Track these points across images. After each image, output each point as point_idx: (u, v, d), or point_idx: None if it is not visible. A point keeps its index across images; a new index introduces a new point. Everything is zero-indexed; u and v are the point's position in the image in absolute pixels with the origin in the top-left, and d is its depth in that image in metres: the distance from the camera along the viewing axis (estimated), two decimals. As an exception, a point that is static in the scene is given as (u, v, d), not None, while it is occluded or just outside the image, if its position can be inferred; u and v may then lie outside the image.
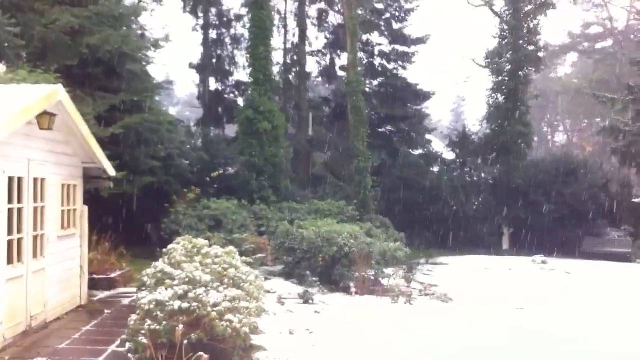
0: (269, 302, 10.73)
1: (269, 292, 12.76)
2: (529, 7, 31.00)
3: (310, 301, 13.02)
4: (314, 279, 15.29)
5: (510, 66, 30.99)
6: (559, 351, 9.96)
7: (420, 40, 32.78)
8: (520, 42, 30.76)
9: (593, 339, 10.85)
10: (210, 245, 9.13)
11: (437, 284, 16.68)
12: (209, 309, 7.10)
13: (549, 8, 31.19)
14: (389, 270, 16.25)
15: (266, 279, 13.53)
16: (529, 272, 20.69)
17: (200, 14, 30.89)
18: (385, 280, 15.74)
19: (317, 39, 33.37)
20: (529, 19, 31.00)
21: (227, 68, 31.70)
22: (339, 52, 32.65)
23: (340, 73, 32.13)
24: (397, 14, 32.63)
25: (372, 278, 15.50)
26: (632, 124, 28.66)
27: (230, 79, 31.82)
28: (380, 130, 31.78)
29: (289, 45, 32.27)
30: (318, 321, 11.19)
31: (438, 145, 35.22)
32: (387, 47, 32.90)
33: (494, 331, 11.20)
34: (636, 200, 29.92)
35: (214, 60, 31.36)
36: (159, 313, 7.07)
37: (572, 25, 51.43)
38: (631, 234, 27.19)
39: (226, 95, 31.74)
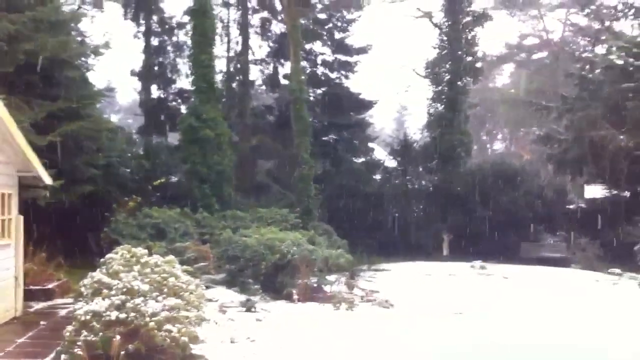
0: (210, 311, 10.72)
1: (210, 300, 12.73)
2: (467, 18, 31.72)
3: (253, 309, 13.04)
4: (256, 286, 15.32)
5: (449, 76, 31.65)
6: (496, 353, 10.24)
7: (362, 50, 33.21)
8: (459, 52, 31.46)
9: (529, 340, 11.22)
10: (151, 255, 9.08)
11: (379, 290, 16.91)
12: (147, 319, 7.08)
13: (486, 19, 32.06)
14: (331, 277, 16.42)
15: (208, 287, 13.50)
16: (468, 278, 21.15)
17: (142, 21, 30.49)
18: (328, 287, 15.90)
19: (260, 48, 33.49)
20: (467, 31, 31.72)
21: (170, 75, 31.37)
22: (282, 60, 32.75)
23: (284, 81, 32.21)
24: (339, 24, 32.98)
25: (315, 285, 15.64)
26: (566, 133, 29.65)
27: (173, 86, 31.50)
28: (323, 138, 31.98)
29: (232, 54, 32.26)
30: (260, 329, 11.23)
31: (380, 153, 35.66)
32: (329, 57, 33.18)
33: (434, 336, 11.44)
34: (570, 206, 30.95)
35: (156, 68, 31.00)
36: (95, 324, 7.01)
37: (509, 37, 52.80)
38: (566, 239, 28.02)
39: (169, 103, 31.42)
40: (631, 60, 27.41)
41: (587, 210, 29.55)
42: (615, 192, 28.60)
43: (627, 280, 21.08)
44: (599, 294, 18.16)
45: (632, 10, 32.59)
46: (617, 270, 22.65)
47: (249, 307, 13.07)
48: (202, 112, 22.61)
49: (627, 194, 28.27)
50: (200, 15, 23.32)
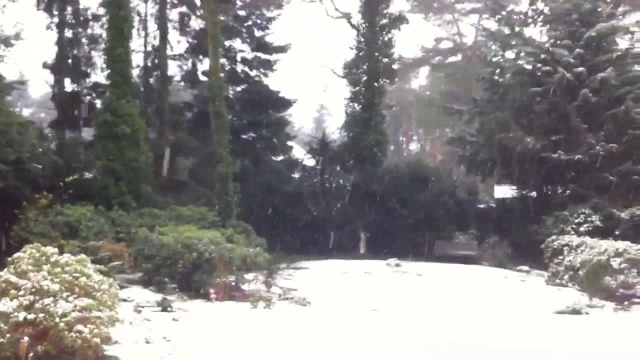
0: (125, 311, 10.55)
1: (125, 300, 12.52)
2: (384, 21, 32.34)
3: (169, 308, 12.89)
4: (172, 286, 15.15)
5: (366, 77, 32.19)
6: (408, 348, 10.54)
7: (282, 49, 33.29)
8: (376, 54, 32.03)
9: (442, 335, 11.61)
10: (62, 254, 8.84)
11: (297, 288, 17.07)
12: (57, 319, 6.92)
13: (402, 22, 32.77)
14: (249, 276, 16.43)
15: (123, 287, 13.25)
16: (384, 275, 21.64)
17: (56, 12, 29.42)
18: (246, 286, 15.91)
19: (179, 43, 32.98)
20: (383, 33, 32.33)
21: (84, 69, 30.44)
22: (201, 57, 32.39)
23: (203, 78, 31.90)
24: (259, 21, 32.95)
25: (233, 284, 15.61)
26: (477, 135, 30.76)
27: (87, 80, 30.56)
28: (243, 136, 31.84)
29: (149, 48, 31.61)
30: (176, 329, 11.14)
31: (300, 152, 35.86)
32: (249, 54, 33.10)
33: (350, 333, 11.64)
34: (481, 205, 32.11)
35: (70, 61, 30.02)
36: (2, 325, 6.80)
37: (425, 40, 54.21)
38: (477, 237, 29.00)
39: (83, 97, 30.47)
40: (539, 65, 28.73)
41: (497, 210, 30.81)
42: (524, 192, 29.87)
43: (534, 277, 22.13)
44: (507, 290, 18.98)
45: (541, 17, 34.07)
46: (525, 268, 23.73)
47: (165, 306, 12.92)
48: (118, 108, 22.09)
49: (534, 194, 29.59)
50: (116, 7, 22.74)
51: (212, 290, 14.71)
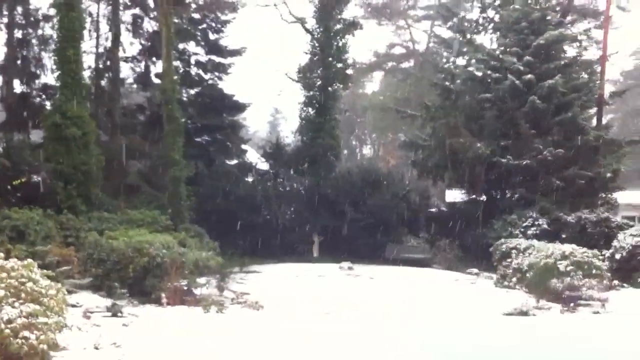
0: (73, 317, 10.43)
1: (74, 306, 12.37)
2: (338, 26, 32.56)
3: (119, 314, 12.77)
4: (123, 291, 14.97)
5: (320, 82, 32.35)
6: (361, 351, 10.68)
7: (236, 52, 33.25)
8: (330, 59, 32.21)
9: (392, 335, 11.79)
10: (9, 258, 8.71)
11: (250, 292, 17.07)
12: (2, 326, 6.82)
13: (356, 28, 33.05)
14: (202, 280, 16.36)
15: (71, 292, 13.09)
16: (337, 278, 21.82)
17: (5, 12, 28.79)
18: (198, 290, 15.84)
19: (131, 45, 32.48)
20: (338, 38, 32.55)
21: (34, 70, 29.84)
22: (154, 59, 32.06)
23: (156, 80, 31.56)
24: (213, 25, 32.84)
25: (185, 288, 15.53)
26: (429, 140, 31.24)
27: (37, 81, 29.97)
28: (196, 139, 31.64)
29: (101, 50, 31.13)
30: (126, 334, 11.04)
31: (254, 156, 35.84)
32: (203, 57, 32.94)
33: (301, 336, 11.72)
34: (433, 209, 32.60)
35: (19, 62, 29.41)
36: (-54, 332, 6.68)
37: (378, 45, 54.70)
38: (428, 240, 29.40)
39: (32, 99, 29.85)
40: (489, 72, 29.41)
41: (448, 213, 31.29)
42: (474, 196, 30.46)
43: (483, 279, 22.60)
44: (458, 292, 19.35)
45: (492, 25, 34.88)
46: (475, 270, 24.21)
47: (115, 311, 12.79)
48: (68, 110, 21.71)
49: (484, 197, 30.19)
50: (67, 8, 22.34)
51: (163, 295, 14.60)
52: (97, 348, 9.79)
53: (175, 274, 14.95)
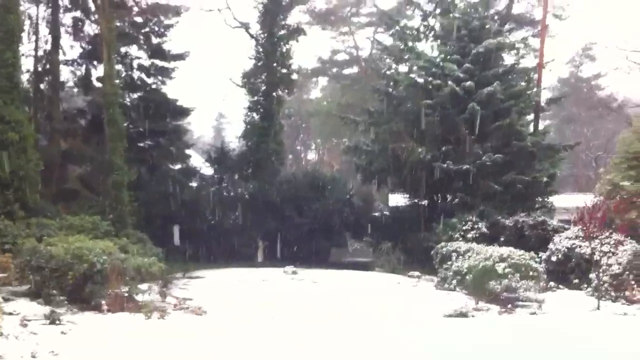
0: (10, 325, 10.26)
1: (10, 314, 12.15)
2: (282, 32, 32.75)
3: (58, 322, 12.53)
4: (62, 298, 14.69)
5: (265, 87, 32.45)
6: (304, 354, 10.80)
7: (180, 56, 32.95)
8: (274, 64, 32.36)
9: (335, 338, 11.95)
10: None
11: (193, 298, 17.00)
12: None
13: (300, 34, 33.33)
14: (144, 286, 16.19)
15: (8, 300, 12.86)
16: (281, 283, 21.88)
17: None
18: (140, 296, 15.67)
19: (72, 48, 31.94)
20: (282, 43, 32.71)
21: (-31, 73, 28.95)
22: (95, 62, 31.50)
23: (98, 84, 31.04)
24: (156, 28, 32.47)
25: (126, 295, 15.33)
26: (372, 145, 31.66)
27: (-27, 85, 29.09)
28: (139, 144, 31.26)
29: (40, 53, 30.48)
30: (65, 342, 10.87)
31: (198, 160, 35.60)
32: (146, 61, 32.56)
33: (244, 341, 11.74)
34: (376, 213, 33.01)
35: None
36: None
37: (322, 51, 55.10)
38: (372, 244, 29.77)
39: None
40: (430, 79, 30.00)
41: (391, 217, 31.76)
42: (416, 200, 31.01)
43: (425, 282, 23.02)
44: (400, 295, 19.66)
45: (433, 33, 35.56)
46: (417, 273, 24.61)
47: (53, 319, 12.55)
48: (5, 114, 21.17)
49: (425, 202, 30.77)
50: (5, 10, 21.84)
51: (104, 302, 14.40)
52: (34, 357, 9.62)
53: (116, 281, 14.76)
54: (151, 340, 11.40)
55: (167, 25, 32.74)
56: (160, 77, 32.89)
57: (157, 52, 32.49)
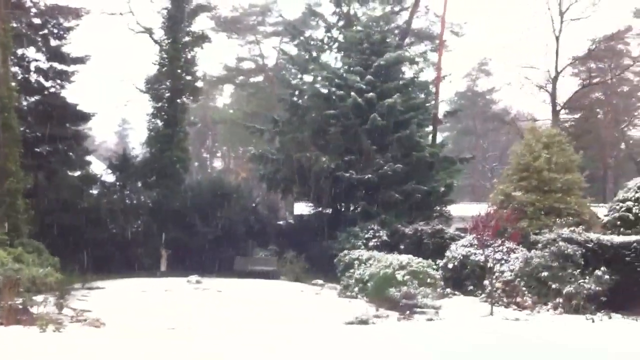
0: None
1: None
2: (187, 38, 32.46)
3: (-55, 336, 11.99)
4: (-49, 311, 14.04)
5: (169, 93, 32.01)
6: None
7: (80, 60, 31.95)
8: (179, 71, 31.96)
9: (237, 348, 12.04)
10: None
11: (92, 309, 16.54)
12: None
13: (205, 41, 33.16)
14: (39, 298, 15.68)
15: None
16: (184, 292, 21.65)
17: None
18: (35, 308, 15.16)
19: (-37, 50, 30.37)
20: (186, 50, 32.43)
21: None
22: (-11, 64, 30.13)
23: (-8, 87, 29.66)
24: (55, 31, 31.37)
25: (20, 307, 14.80)
26: (277, 154, 31.93)
27: None
28: (36, 150, 30.06)
29: None
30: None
31: (100, 167, 34.62)
32: (44, 64, 31.39)
33: (143, 353, 11.62)
34: (281, 222, 33.26)
35: None
36: None
37: (228, 59, 54.98)
38: (276, 253, 29.91)
39: None
40: (334, 89, 30.67)
41: (296, 226, 32.16)
42: (320, 209, 31.50)
43: (328, 290, 23.44)
44: (303, 303, 19.93)
45: (336, 44, 36.34)
46: (320, 281, 25.01)
47: (-59, 334, 12.00)
48: None
49: (329, 210, 31.31)
50: None
51: (-4, 315, 13.86)
52: None
53: (10, 292, 14.24)
54: (44, 354, 11.10)
55: (67, 27, 31.67)
56: (59, 81, 31.76)
57: (56, 54, 31.38)
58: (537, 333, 14.90)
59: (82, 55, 32.10)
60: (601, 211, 26.77)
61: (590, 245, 20.17)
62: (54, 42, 31.47)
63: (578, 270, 19.37)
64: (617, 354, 12.80)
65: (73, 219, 27.57)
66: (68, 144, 31.50)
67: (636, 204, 22.23)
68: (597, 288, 18.71)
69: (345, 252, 24.47)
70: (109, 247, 27.93)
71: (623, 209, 22.55)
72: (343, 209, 31.16)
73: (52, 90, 31.55)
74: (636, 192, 22.49)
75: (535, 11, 48.65)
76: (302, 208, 33.52)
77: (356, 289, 21.32)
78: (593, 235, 20.94)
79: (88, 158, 33.72)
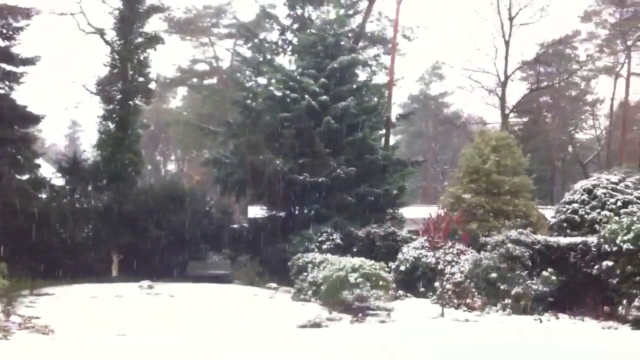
0: None
1: None
2: (139, 39, 32.07)
3: None
4: None
5: (121, 95, 31.57)
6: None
7: (30, 61, 31.23)
8: (131, 72, 31.54)
9: (191, 351, 12.00)
10: None
11: (40, 316, 16.28)
12: None
13: (158, 42, 32.78)
14: (-15, 305, 15.37)
15: None
16: (136, 298, 21.40)
17: None
18: (-20, 316, 14.86)
19: None
20: (139, 51, 32.03)
21: None
22: None
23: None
24: (4, 31, 30.65)
25: (-36, 315, 14.50)
26: (231, 157, 31.82)
27: None
28: (-18, 153, 29.37)
29: None
30: None
31: (49, 170, 33.89)
32: (-9, 65, 30.68)
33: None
34: (235, 225, 33.13)
35: None
36: None
37: (182, 61, 54.48)
38: (230, 256, 29.79)
39: None
40: (288, 92, 30.74)
41: (249, 229, 32.04)
42: (273, 212, 31.50)
43: (282, 293, 23.45)
44: (256, 307, 19.94)
45: (290, 47, 36.44)
46: (274, 285, 25.02)
47: None
48: None
49: (283, 213, 31.34)
50: None
51: (-62, 324, 13.53)
52: None
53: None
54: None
55: (17, 27, 30.95)
56: (8, 82, 31.02)
57: (4, 55, 30.60)
58: (486, 334, 15.23)
59: (32, 56, 31.37)
60: (549, 213, 27.46)
61: (537, 247, 20.64)
62: (2, 43, 30.70)
63: (526, 272, 19.76)
64: (563, 349, 13.21)
65: (21, 224, 26.95)
66: (16, 146, 30.75)
67: (582, 206, 22.80)
68: (544, 289, 19.17)
69: (299, 255, 24.54)
70: (59, 252, 27.38)
71: (569, 210, 23.10)
72: (297, 212, 31.20)
73: (1, 91, 30.82)
74: (582, 195, 23.07)
75: (486, 17, 49.14)
76: (257, 211, 33.45)
77: (310, 292, 21.39)
78: (540, 237, 21.44)
79: (37, 161, 32.94)
